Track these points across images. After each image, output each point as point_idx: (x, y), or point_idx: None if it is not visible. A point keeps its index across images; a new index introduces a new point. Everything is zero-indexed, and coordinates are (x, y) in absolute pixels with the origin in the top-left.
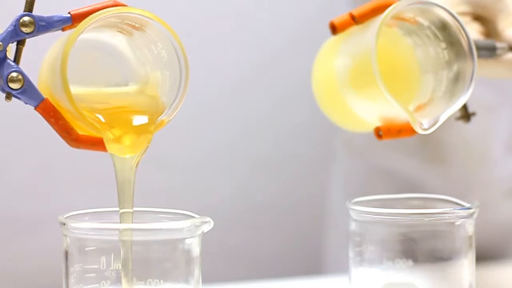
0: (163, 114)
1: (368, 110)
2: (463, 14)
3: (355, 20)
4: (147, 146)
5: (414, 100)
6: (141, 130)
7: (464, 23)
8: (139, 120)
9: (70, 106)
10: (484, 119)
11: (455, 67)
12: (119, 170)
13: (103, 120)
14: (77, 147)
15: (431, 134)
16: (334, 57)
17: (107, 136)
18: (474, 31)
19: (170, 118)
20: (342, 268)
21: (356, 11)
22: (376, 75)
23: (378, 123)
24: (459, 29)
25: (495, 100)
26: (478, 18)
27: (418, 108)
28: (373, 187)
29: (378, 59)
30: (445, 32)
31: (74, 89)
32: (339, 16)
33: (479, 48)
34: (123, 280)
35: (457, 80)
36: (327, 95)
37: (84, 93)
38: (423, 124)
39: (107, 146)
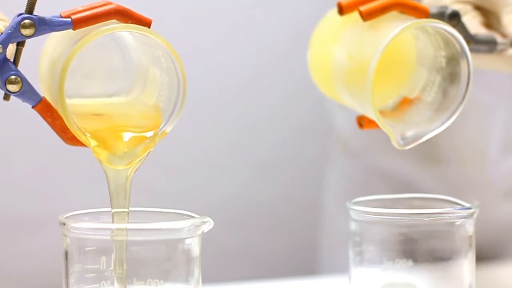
0: (161, 126)
1: (354, 106)
2: (465, 2)
3: (363, 17)
4: (143, 158)
5: (403, 88)
6: (131, 145)
7: (465, 11)
8: (130, 135)
9: (66, 121)
10: (479, 119)
11: (447, 79)
12: (112, 179)
13: (94, 141)
14: (73, 145)
15: None
16: (335, 43)
17: (99, 152)
18: (475, 22)
19: (167, 131)
20: (337, 269)
21: (364, 9)
22: (368, 101)
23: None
24: (463, 55)
25: (490, 100)
26: (479, 8)
27: (404, 102)
28: (369, 188)
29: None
30: (448, 48)
31: (71, 101)
32: None
33: (479, 42)
34: (119, 282)
35: (446, 95)
36: (319, 73)
37: (80, 103)
38: (401, 141)
39: (98, 158)
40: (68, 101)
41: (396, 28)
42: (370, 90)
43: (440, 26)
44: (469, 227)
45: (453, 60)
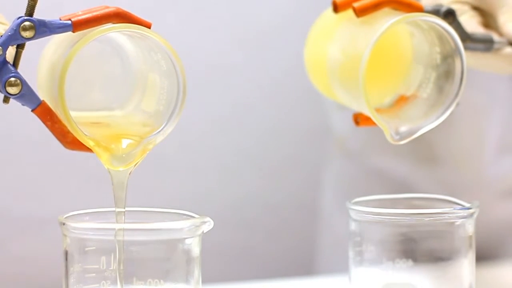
0: (159, 129)
1: (350, 103)
2: (463, 2)
3: (356, 14)
4: (142, 158)
5: (400, 86)
6: (131, 148)
7: (463, 11)
8: (129, 142)
9: (66, 121)
10: (476, 120)
11: (442, 75)
12: (114, 174)
13: (93, 142)
14: (73, 149)
15: (423, 134)
16: (330, 39)
17: (100, 153)
18: (473, 22)
19: (168, 131)
20: (336, 269)
21: (358, 5)
22: (361, 94)
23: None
24: (456, 51)
25: (486, 101)
26: (477, 9)
27: (401, 100)
28: (366, 188)
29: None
30: (442, 44)
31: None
32: None
33: (476, 41)
34: (121, 281)
35: (441, 91)
36: (315, 72)
37: (80, 116)
38: (395, 135)
39: (101, 160)
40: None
41: (388, 22)
42: (363, 82)
43: (432, 20)
44: (469, 227)
45: (449, 57)
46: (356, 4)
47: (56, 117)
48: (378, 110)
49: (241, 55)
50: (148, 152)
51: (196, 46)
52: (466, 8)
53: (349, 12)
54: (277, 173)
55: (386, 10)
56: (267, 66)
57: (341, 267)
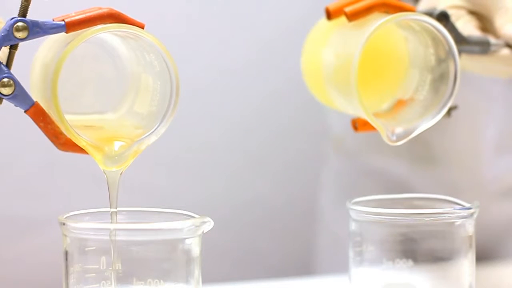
0: (152, 130)
1: (346, 108)
2: (459, 7)
3: (348, 18)
4: (132, 160)
5: (398, 91)
6: (123, 148)
7: (459, 15)
8: (121, 144)
9: (59, 120)
10: (473, 120)
11: (438, 77)
12: (108, 174)
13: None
14: (66, 150)
15: (421, 135)
16: (324, 46)
17: (93, 154)
18: (470, 26)
19: (161, 131)
20: (333, 269)
21: (349, 9)
22: (354, 94)
23: (355, 117)
24: (448, 49)
25: (483, 102)
26: (473, 13)
27: (399, 104)
28: (364, 188)
29: (367, 49)
30: (435, 45)
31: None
32: (336, 2)
33: (472, 43)
34: (115, 280)
35: (437, 92)
36: (311, 79)
37: (72, 119)
38: (392, 136)
39: (95, 159)
40: None
41: (378, 22)
42: (355, 79)
43: (421, 19)
44: (469, 227)
45: (443, 62)
46: (347, 9)
47: (49, 118)
48: (376, 114)
49: (246, 64)
50: (140, 152)
51: (204, 53)
52: (462, 12)
53: (342, 19)
54: (277, 173)
55: (377, 14)
56: (264, 61)
57: (341, 267)
